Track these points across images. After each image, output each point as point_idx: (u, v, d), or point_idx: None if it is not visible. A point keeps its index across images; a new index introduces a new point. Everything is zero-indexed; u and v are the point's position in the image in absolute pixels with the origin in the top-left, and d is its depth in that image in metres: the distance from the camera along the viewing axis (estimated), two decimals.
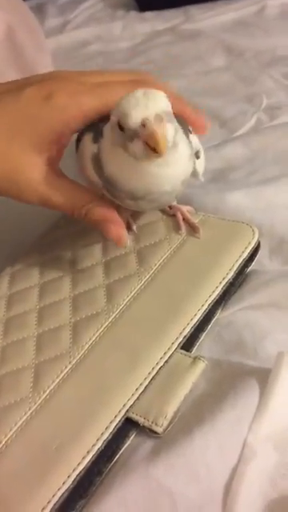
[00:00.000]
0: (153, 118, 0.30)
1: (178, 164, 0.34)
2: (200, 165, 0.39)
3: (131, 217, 0.43)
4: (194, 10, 0.98)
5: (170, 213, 0.42)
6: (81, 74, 0.37)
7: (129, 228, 0.42)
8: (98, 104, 0.35)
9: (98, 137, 0.36)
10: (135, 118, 0.30)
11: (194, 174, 0.38)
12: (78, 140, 0.40)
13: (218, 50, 0.82)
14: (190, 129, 0.38)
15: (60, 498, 0.27)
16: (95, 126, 0.37)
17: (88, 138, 0.37)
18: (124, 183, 0.34)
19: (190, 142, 0.36)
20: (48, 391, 0.32)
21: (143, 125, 0.30)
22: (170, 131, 0.31)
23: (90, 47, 0.93)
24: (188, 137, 0.36)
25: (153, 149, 0.30)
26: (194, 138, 0.38)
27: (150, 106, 0.30)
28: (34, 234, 0.47)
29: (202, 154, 0.39)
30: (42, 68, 0.78)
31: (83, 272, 0.40)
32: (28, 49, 0.80)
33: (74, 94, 0.34)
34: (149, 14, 1.01)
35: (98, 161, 0.35)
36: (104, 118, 0.37)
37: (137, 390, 0.31)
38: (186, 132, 0.36)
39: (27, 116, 0.34)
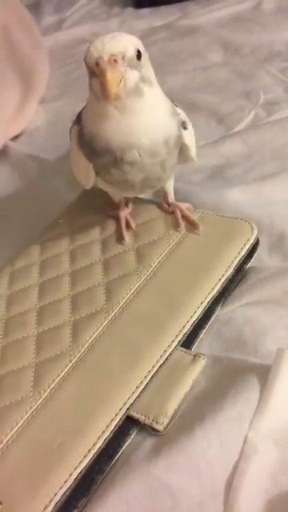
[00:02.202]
0: (107, 58, 0.31)
1: (146, 114, 0.34)
2: (189, 137, 0.39)
3: (130, 214, 0.43)
4: (190, 6, 0.98)
5: (168, 210, 0.42)
6: None
7: (128, 226, 0.42)
8: None
9: (79, 119, 0.37)
10: (90, 56, 0.31)
11: (185, 150, 0.38)
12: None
13: (215, 45, 0.81)
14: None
15: (62, 496, 0.27)
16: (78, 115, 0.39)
17: (74, 126, 0.38)
18: (99, 137, 0.35)
19: (173, 106, 0.37)
20: (49, 390, 0.32)
21: (96, 63, 0.31)
22: (129, 76, 0.32)
23: (86, 45, 0.92)
24: (173, 104, 0.37)
25: (105, 87, 0.31)
26: (179, 110, 0.38)
27: (107, 47, 0.31)
28: (33, 234, 0.47)
29: (189, 126, 0.39)
30: (38, 65, 0.78)
31: (82, 270, 0.40)
32: (24, 47, 0.80)
33: None
34: (145, 11, 1.01)
35: (80, 134, 0.37)
36: None
37: (137, 388, 0.31)
38: (172, 102, 0.37)
39: None
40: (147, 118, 0.34)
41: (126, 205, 0.43)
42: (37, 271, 0.42)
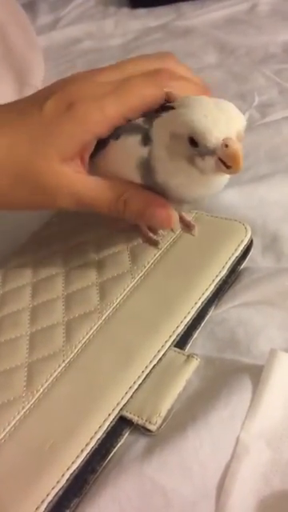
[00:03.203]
0: (235, 137, 0.29)
1: None
2: None
3: None
4: (185, 7, 0.98)
5: None
6: (100, 72, 0.36)
7: (156, 231, 0.41)
8: (122, 108, 0.33)
9: (146, 140, 0.34)
10: (217, 137, 0.29)
11: None
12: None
13: (210, 47, 0.81)
14: None
15: (54, 496, 0.27)
16: (130, 127, 0.35)
17: (133, 140, 0.34)
18: (179, 191, 0.33)
19: None
20: (41, 390, 0.32)
21: (225, 145, 0.29)
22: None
23: (81, 44, 0.93)
24: None
25: (228, 166, 0.29)
26: None
27: (231, 125, 0.29)
28: (27, 233, 0.47)
29: None
30: (33, 65, 0.78)
31: (76, 270, 0.40)
32: (19, 46, 0.80)
33: (95, 100, 0.32)
34: (140, 11, 1.01)
35: (147, 166, 0.34)
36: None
37: (130, 388, 0.31)
38: None
39: (50, 129, 0.33)
40: None
41: None
42: (30, 270, 0.42)
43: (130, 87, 0.33)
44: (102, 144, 0.36)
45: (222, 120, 0.29)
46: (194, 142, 0.30)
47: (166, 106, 0.34)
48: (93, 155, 0.37)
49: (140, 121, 0.35)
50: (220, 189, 0.35)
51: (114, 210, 0.35)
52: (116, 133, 0.35)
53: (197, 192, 0.34)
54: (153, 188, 0.35)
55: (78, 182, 0.34)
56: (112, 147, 0.36)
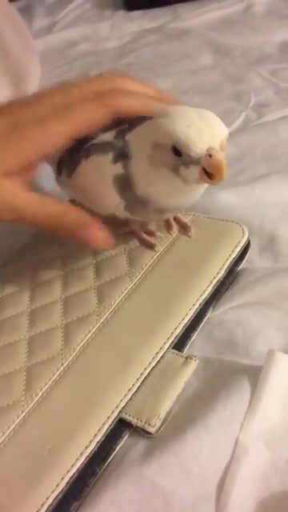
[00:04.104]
0: (218, 147, 0.30)
1: None
2: None
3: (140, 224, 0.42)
4: (181, 8, 0.98)
5: None
6: (46, 94, 0.36)
7: (150, 233, 0.41)
8: (68, 128, 0.34)
9: (118, 157, 0.34)
10: (201, 148, 0.29)
11: None
12: (61, 163, 0.40)
13: (206, 48, 0.82)
14: None
15: (54, 500, 0.27)
16: (100, 145, 0.36)
17: (104, 159, 0.35)
18: (160, 201, 0.34)
19: None
20: (40, 394, 0.32)
21: (209, 155, 0.29)
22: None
23: (78, 47, 0.93)
24: None
25: (211, 175, 0.30)
26: None
27: (215, 135, 0.30)
28: (25, 237, 0.47)
29: None
30: (29, 69, 0.78)
31: (74, 273, 0.40)
32: (15, 49, 0.80)
33: (40, 121, 0.34)
34: (136, 14, 1.01)
35: (125, 181, 0.34)
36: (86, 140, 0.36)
37: (129, 390, 0.31)
38: None
39: None
40: None
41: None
42: (28, 274, 0.42)
43: (74, 109, 0.34)
44: (75, 162, 0.37)
45: (205, 130, 0.30)
46: (177, 151, 0.30)
47: (138, 118, 0.34)
48: (71, 172, 0.38)
49: (110, 137, 0.35)
50: (197, 197, 0.35)
51: (52, 227, 0.36)
52: (86, 152, 0.36)
53: (178, 201, 0.35)
54: (132, 201, 0.35)
55: (19, 197, 0.34)
56: (84, 167, 0.37)
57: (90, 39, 0.95)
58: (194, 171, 0.30)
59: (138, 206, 0.35)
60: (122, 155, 0.34)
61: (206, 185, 0.33)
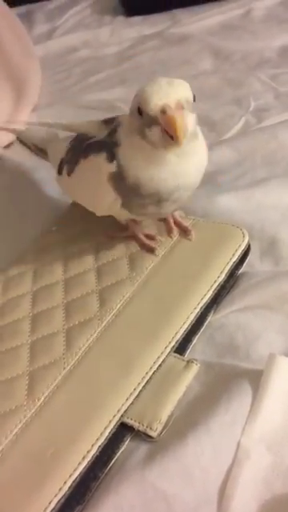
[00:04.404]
0: (173, 105, 0.30)
1: (198, 154, 0.35)
2: None
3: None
4: (180, 14, 0.98)
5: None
6: None
7: (151, 238, 0.41)
8: None
9: (112, 155, 0.35)
10: (155, 103, 0.30)
11: None
12: (62, 163, 0.41)
13: (206, 53, 0.82)
14: None
15: (57, 504, 0.27)
16: (95, 144, 0.37)
17: (100, 158, 0.36)
18: (149, 181, 0.34)
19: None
20: (43, 398, 0.32)
21: (163, 111, 0.30)
22: (190, 120, 0.32)
23: (78, 53, 0.93)
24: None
25: (171, 136, 0.30)
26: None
27: (171, 93, 0.30)
28: (26, 241, 0.47)
29: None
30: (30, 74, 0.78)
31: (76, 278, 0.40)
32: (16, 55, 0.80)
33: None
34: (136, 19, 1.01)
35: (119, 176, 0.35)
36: (85, 139, 0.37)
37: (131, 394, 0.31)
38: None
39: None
40: (197, 157, 0.35)
41: (134, 221, 0.42)
42: (30, 279, 0.42)
43: None
44: (75, 161, 0.38)
45: (163, 89, 0.31)
46: (140, 111, 0.32)
47: None
48: (71, 172, 0.39)
49: (104, 135, 0.37)
50: (190, 180, 0.35)
51: None
52: (85, 151, 0.38)
53: (165, 176, 0.34)
54: (127, 195, 0.35)
55: None
56: (82, 165, 0.38)
57: (90, 45, 0.95)
58: (156, 132, 0.31)
59: (134, 199, 0.36)
60: (115, 148, 0.35)
61: (192, 164, 0.34)
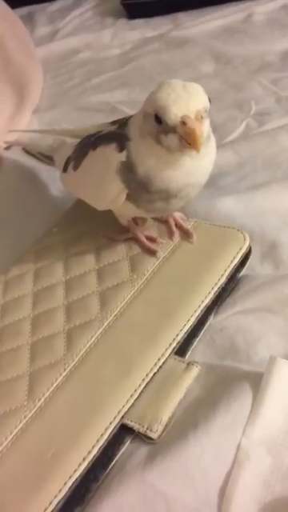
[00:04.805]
0: (193, 116, 0.30)
1: (210, 155, 0.35)
2: None
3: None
4: (182, 17, 0.99)
5: (162, 219, 0.43)
6: None
7: (152, 240, 0.41)
8: None
9: (122, 145, 0.35)
10: (175, 114, 0.30)
11: None
12: (68, 160, 0.41)
13: (207, 56, 0.82)
14: None
15: (57, 505, 0.27)
16: (105, 136, 0.37)
17: (110, 148, 0.36)
18: (160, 179, 0.34)
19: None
20: (43, 399, 0.32)
21: (183, 122, 0.30)
22: (206, 127, 0.32)
23: (80, 55, 0.93)
24: None
25: (189, 144, 0.31)
26: None
27: (191, 103, 0.31)
28: (27, 242, 0.47)
29: None
30: (32, 76, 0.78)
31: (76, 279, 0.41)
32: (18, 57, 0.81)
33: None
34: (138, 22, 1.02)
35: (128, 167, 0.35)
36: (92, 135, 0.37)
37: (131, 396, 0.31)
38: None
39: None
40: (208, 157, 0.35)
41: (136, 222, 0.43)
42: (31, 280, 0.42)
43: None
44: (83, 154, 0.38)
45: (182, 98, 0.31)
46: (158, 119, 0.32)
47: None
48: (76, 165, 0.39)
49: (114, 128, 0.37)
50: (200, 179, 0.36)
51: None
52: (94, 143, 0.38)
53: (176, 175, 0.34)
54: (136, 187, 0.35)
55: None
56: (91, 157, 0.38)
57: (92, 47, 0.96)
58: (174, 139, 0.31)
59: (143, 193, 0.36)
60: (126, 141, 0.35)
61: (201, 164, 0.34)
